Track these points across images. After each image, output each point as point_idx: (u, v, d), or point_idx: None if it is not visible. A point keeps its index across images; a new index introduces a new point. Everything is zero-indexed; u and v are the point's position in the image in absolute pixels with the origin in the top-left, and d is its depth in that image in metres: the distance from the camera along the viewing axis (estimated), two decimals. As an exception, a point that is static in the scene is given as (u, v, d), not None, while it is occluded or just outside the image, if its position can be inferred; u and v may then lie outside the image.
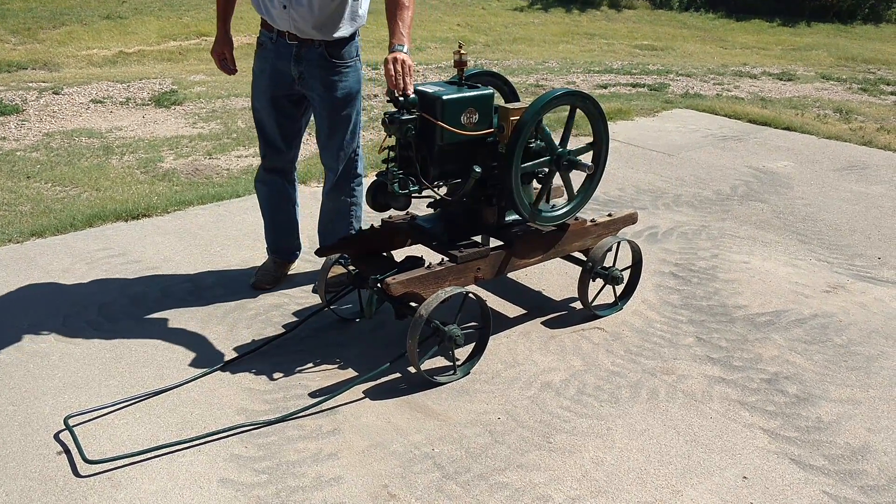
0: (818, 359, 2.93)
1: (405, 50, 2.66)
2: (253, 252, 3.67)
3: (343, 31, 2.91)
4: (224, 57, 3.17)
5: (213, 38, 3.19)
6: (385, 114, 2.62)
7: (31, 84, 7.38)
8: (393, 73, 2.59)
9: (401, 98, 2.60)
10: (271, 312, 3.14)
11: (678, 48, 11.84)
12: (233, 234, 3.89)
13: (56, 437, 2.36)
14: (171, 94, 7.10)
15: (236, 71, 3.20)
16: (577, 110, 2.89)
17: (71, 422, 2.39)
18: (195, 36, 10.34)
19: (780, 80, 9.18)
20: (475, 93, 2.69)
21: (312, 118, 3.17)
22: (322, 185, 3.33)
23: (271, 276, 3.37)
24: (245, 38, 9.96)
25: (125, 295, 3.25)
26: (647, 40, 12.41)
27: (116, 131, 5.92)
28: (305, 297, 3.27)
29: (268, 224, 3.41)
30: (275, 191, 3.32)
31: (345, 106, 3.04)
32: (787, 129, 6.37)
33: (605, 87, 8.24)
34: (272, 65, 3.01)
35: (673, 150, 5.69)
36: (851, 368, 2.88)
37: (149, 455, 2.28)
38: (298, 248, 3.49)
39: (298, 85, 3.02)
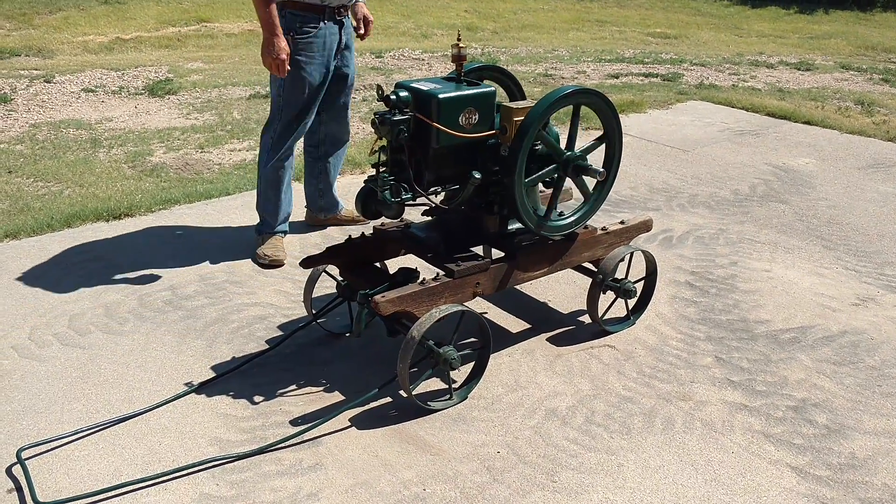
0: (849, 383, 2.68)
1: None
2: (239, 257, 3.44)
3: None
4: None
5: (265, 41, 3.00)
6: (375, 114, 2.37)
7: (22, 72, 7.14)
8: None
9: (392, 97, 2.36)
10: (254, 325, 2.91)
11: (692, 36, 11.50)
12: (219, 237, 3.66)
13: (8, 471, 2.13)
14: (166, 83, 6.85)
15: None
16: (582, 108, 2.63)
17: (24, 455, 2.16)
18: (195, 21, 10.07)
19: (798, 69, 8.85)
20: (475, 91, 2.43)
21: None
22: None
23: (282, 252, 3.45)
24: (247, 24, 9.71)
25: (99, 304, 3.02)
26: (660, 28, 12.06)
27: (106, 122, 5.68)
28: (293, 307, 3.04)
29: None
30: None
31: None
32: (808, 123, 6.08)
33: (617, 77, 7.94)
34: (328, 51, 3.18)
35: (688, 145, 5.41)
36: (886, 395, 2.62)
37: (108, 494, 2.05)
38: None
39: (337, 60, 3.28)
